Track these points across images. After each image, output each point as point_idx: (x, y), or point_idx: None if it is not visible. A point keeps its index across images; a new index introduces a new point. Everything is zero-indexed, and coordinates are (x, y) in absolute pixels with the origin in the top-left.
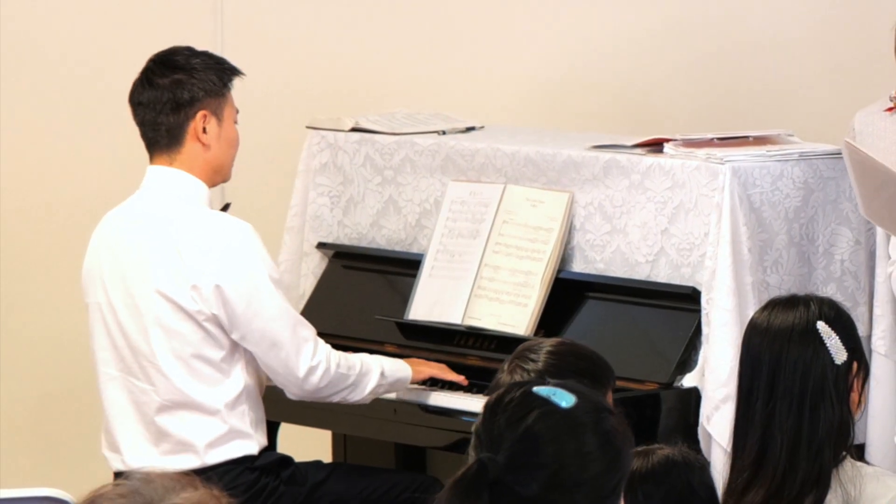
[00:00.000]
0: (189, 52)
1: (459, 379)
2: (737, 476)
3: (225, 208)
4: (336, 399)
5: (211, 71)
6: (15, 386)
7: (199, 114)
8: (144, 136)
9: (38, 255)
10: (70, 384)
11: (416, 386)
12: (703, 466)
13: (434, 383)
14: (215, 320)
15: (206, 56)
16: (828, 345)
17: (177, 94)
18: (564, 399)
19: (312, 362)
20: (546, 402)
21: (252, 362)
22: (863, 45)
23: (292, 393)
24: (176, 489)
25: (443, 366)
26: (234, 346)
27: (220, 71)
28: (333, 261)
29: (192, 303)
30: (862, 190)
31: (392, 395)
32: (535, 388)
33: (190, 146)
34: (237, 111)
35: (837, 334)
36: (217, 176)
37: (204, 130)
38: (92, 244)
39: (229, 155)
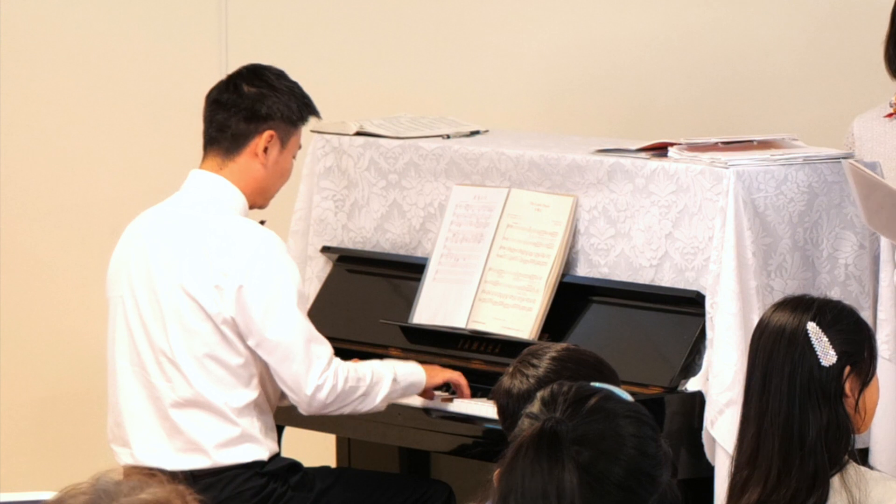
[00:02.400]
0: (280, 73)
1: (465, 393)
2: (736, 474)
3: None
4: (347, 411)
5: (294, 99)
6: (17, 388)
7: (268, 132)
8: (207, 133)
9: (41, 257)
10: (73, 386)
11: (436, 392)
12: (669, 484)
13: (447, 388)
14: (233, 324)
15: (295, 85)
16: (815, 346)
17: (256, 105)
18: (622, 394)
19: (319, 381)
20: (606, 391)
21: (268, 373)
22: (860, 50)
23: (301, 409)
24: (142, 486)
25: (459, 374)
26: (253, 356)
27: (302, 103)
28: (338, 265)
29: (213, 304)
30: (865, 205)
31: (414, 394)
32: (592, 383)
33: (246, 159)
34: (300, 147)
35: (830, 337)
36: (259, 198)
37: (265, 150)
38: (123, 240)
39: (277, 184)
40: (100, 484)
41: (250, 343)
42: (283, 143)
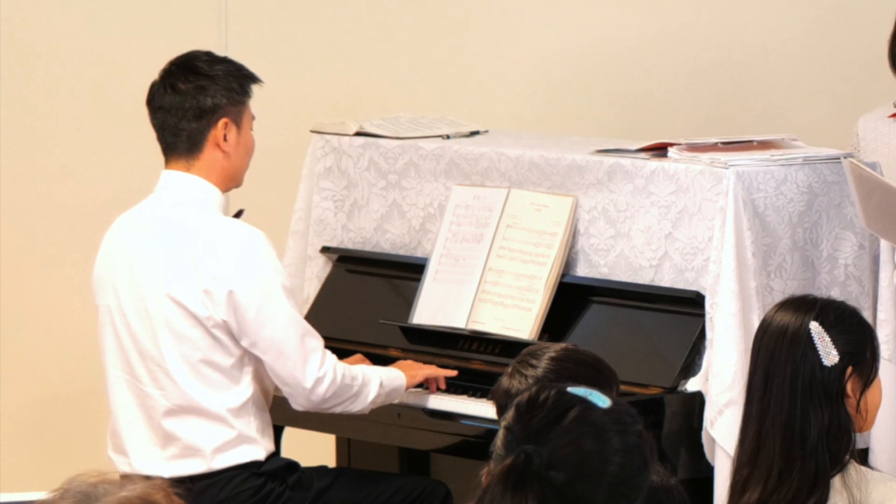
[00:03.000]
0: (209, 57)
1: (451, 373)
2: (737, 473)
3: (238, 214)
4: (338, 410)
5: (232, 78)
6: (18, 389)
7: (221, 122)
8: (162, 140)
9: (41, 257)
10: (74, 387)
11: (414, 390)
12: (677, 488)
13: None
14: (224, 327)
15: (227, 62)
16: (817, 346)
17: (200, 100)
18: (601, 400)
19: (319, 373)
20: (584, 401)
21: (261, 370)
22: (861, 51)
23: (298, 403)
24: (121, 485)
25: (433, 366)
26: (244, 354)
27: (240, 78)
28: (337, 265)
29: (203, 308)
30: (864, 206)
31: (396, 399)
32: (570, 389)
33: (209, 153)
34: (254, 118)
35: (832, 337)
36: (232, 182)
37: (225, 138)
38: (103, 247)
39: (246, 162)
40: (73, 486)
41: (244, 343)
42: (238, 123)
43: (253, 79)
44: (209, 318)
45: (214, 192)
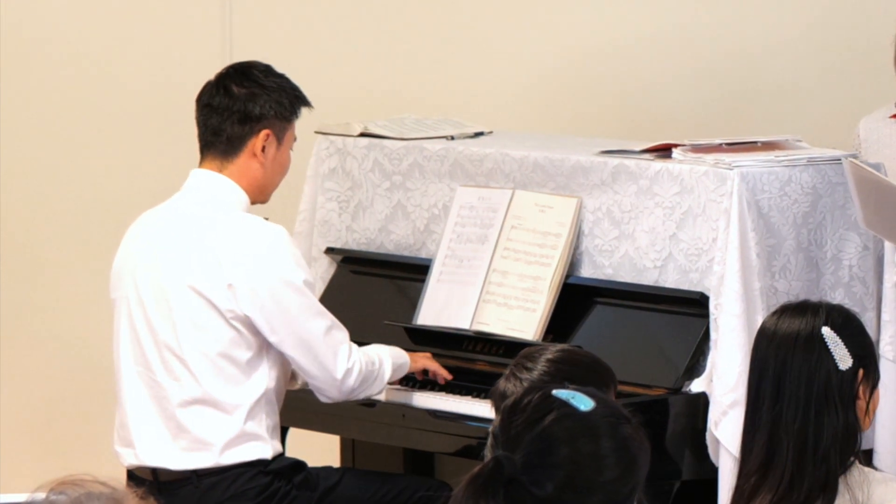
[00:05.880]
0: (267, 69)
1: (443, 374)
2: (744, 481)
3: None
4: (363, 395)
5: (285, 94)
6: (19, 389)
7: (264, 132)
8: (202, 137)
9: (43, 257)
10: (75, 387)
11: (418, 390)
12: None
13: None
14: (246, 321)
15: (283, 79)
16: (832, 351)
17: (248, 106)
18: (583, 403)
19: (348, 364)
20: (565, 405)
21: (276, 368)
22: (864, 51)
23: (328, 396)
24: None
25: (428, 355)
26: (261, 349)
27: (292, 97)
28: (342, 266)
29: (226, 302)
30: (864, 205)
31: (400, 400)
32: (555, 391)
33: (244, 160)
34: (295, 139)
35: (843, 341)
36: (259, 195)
37: (263, 150)
38: (126, 240)
39: (277, 179)
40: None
41: (272, 340)
42: (280, 139)
43: (304, 101)
44: (230, 311)
45: (242, 195)
